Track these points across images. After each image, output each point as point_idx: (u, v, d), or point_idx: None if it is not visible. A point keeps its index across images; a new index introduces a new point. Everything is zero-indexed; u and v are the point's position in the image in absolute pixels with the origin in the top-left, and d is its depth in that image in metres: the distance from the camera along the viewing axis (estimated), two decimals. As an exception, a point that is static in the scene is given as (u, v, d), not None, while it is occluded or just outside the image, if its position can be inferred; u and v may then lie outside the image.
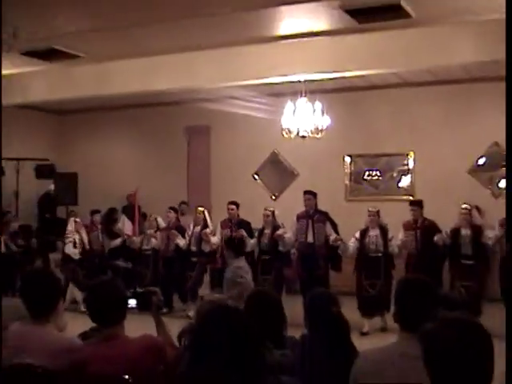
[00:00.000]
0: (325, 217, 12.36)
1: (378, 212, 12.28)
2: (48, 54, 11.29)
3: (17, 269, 12.34)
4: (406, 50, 11.35)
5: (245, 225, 13.20)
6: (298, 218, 12.50)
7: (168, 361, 4.53)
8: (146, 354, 4.40)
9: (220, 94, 16.18)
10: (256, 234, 13.06)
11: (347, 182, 16.45)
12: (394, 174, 16.12)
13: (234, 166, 16.95)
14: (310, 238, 12.24)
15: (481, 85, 14.68)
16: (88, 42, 10.82)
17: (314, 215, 12.33)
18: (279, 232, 12.43)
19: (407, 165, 15.92)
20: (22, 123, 18.07)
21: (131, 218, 15.06)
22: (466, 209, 11.75)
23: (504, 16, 8.96)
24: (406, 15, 8.87)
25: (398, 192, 15.76)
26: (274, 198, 17.00)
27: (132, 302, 4.96)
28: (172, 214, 14.40)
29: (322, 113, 13.28)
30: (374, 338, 10.75)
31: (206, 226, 13.66)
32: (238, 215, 13.40)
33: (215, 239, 13.33)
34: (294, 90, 13.37)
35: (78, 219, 14.98)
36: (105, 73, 13.90)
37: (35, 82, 14.78)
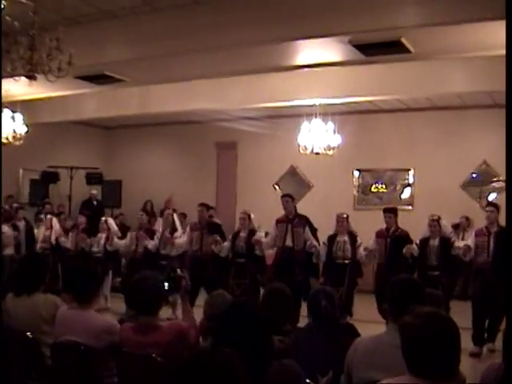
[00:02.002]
0: (304, 221, 10.73)
1: (347, 218, 10.74)
2: (98, 78, 11.44)
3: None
4: (407, 80, 11.49)
5: (215, 227, 11.70)
6: (278, 222, 10.86)
7: (191, 342, 4.61)
8: (174, 339, 4.48)
9: (246, 114, 16.30)
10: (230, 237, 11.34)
11: (355, 193, 16.51)
12: (397, 187, 16.18)
13: (257, 177, 17.02)
14: (289, 243, 10.58)
15: (472, 111, 14.79)
16: (133, 68, 10.96)
17: (293, 219, 10.68)
18: (257, 237, 10.75)
19: (408, 179, 15.98)
20: (76, 137, 18.45)
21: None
22: (433, 220, 10.22)
23: (490, 53, 9.14)
24: (406, 50, 8.91)
25: (400, 203, 15.77)
26: (291, 205, 17.06)
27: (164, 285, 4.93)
28: (144, 217, 12.68)
29: (334, 132, 13.45)
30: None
31: (174, 228, 12.11)
32: (211, 216, 12.29)
33: (181, 241, 11.75)
34: (309, 112, 13.49)
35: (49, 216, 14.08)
36: (147, 94, 14.07)
37: (87, 101, 14.99)
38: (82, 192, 17.57)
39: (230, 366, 2.33)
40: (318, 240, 10.69)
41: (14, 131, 13.29)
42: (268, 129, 16.66)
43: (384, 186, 16.39)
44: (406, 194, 16.08)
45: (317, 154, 13.51)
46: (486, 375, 3.80)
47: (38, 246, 13.54)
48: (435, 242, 10.05)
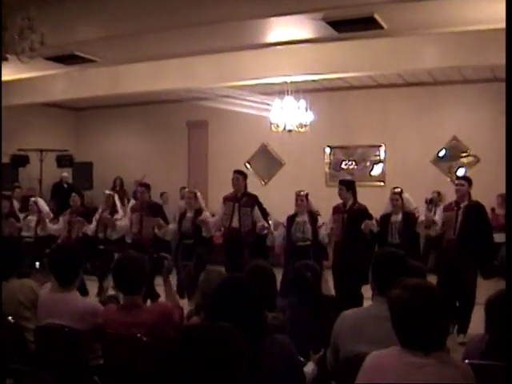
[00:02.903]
0: (253, 200, 10.00)
1: (306, 196, 9.84)
2: (68, 59, 11.31)
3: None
4: (379, 56, 11.48)
5: (156, 208, 10.82)
6: (225, 199, 10.15)
7: (176, 321, 4.62)
8: (159, 319, 4.50)
9: (216, 93, 16.20)
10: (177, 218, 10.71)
11: (327, 170, 16.52)
12: (368, 164, 16.23)
13: (228, 155, 16.96)
14: (236, 223, 9.85)
15: (443, 87, 14.88)
16: (103, 48, 10.85)
17: (241, 198, 9.93)
18: (202, 217, 10.02)
19: (379, 155, 16.04)
20: (45, 119, 18.24)
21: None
22: (395, 193, 9.37)
23: (461, 29, 9.20)
24: (379, 26, 8.90)
25: (370, 179, 15.87)
26: (263, 183, 17.09)
27: None
28: (77, 198, 11.58)
29: (306, 109, 13.44)
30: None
31: (114, 210, 10.98)
32: (150, 197, 10.96)
33: (122, 224, 10.73)
34: (281, 90, 13.48)
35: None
36: (116, 75, 13.94)
37: (56, 82, 14.83)
38: (53, 175, 17.41)
39: (230, 339, 2.33)
40: (267, 221, 10.07)
41: (-18, 114, 13.08)
42: (239, 107, 16.60)
43: (355, 163, 16.40)
44: (378, 170, 16.12)
45: (289, 131, 13.52)
46: (469, 348, 3.85)
47: None
48: (398, 218, 9.22)
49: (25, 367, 4.73)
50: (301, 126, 13.46)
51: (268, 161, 17.23)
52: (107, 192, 11.40)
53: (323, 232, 9.65)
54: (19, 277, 5.37)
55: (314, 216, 9.74)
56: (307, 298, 5.01)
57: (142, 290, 4.69)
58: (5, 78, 12.71)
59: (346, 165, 16.46)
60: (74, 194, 11.70)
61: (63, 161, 17.57)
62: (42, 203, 11.99)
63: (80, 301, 4.90)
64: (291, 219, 9.71)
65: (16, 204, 12.39)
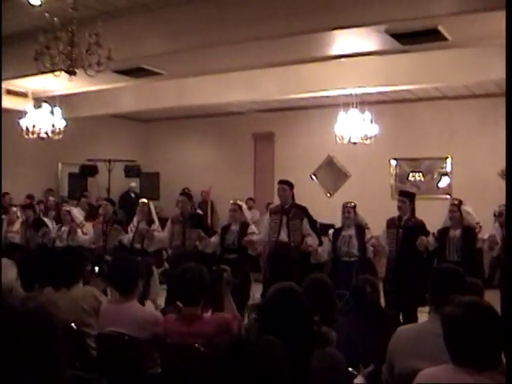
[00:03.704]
0: (302, 212, 9.04)
1: (354, 207, 9.05)
2: (135, 72, 11.54)
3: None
4: (444, 68, 11.40)
5: (198, 219, 10.34)
6: (271, 212, 9.33)
7: (234, 332, 4.64)
8: (217, 330, 4.52)
9: (282, 105, 16.33)
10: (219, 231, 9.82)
11: (393, 182, 16.40)
12: (434, 176, 16.05)
13: (294, 167, 16.96)
14: (284, 237, 8.89)
15: (511, 98, 14.61)
16: (169, 61, 11.04)
17: (289, 210, 9.00)
18: (247, 238, 9.05)
19: (446, 168, 15.85)
20: (113, 130, 18.63)
21: (205, 213, 14.96)
22: (453, 204, 8.57)
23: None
24: (443, 38, 8.87)
25: (437, 192, 15.69)
26: (329, 195, 17.06)
27: None
28: (108, 207, 10.79)
29: (371, 122, 13.39)
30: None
31: (150, 219, 10.36)
32: (193, 207, 10.53)
33: (161, 235, 10.15)
34: (346, 102, 13.47)
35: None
36: (183, 87, 14.17)
37: (124, 95, 15.13)
38: (121, 185, 17.72)
39: (272, 354, 2.36)
40: (318, 234, 9.11)
41: (53, 126, 13.41)
42: (305, 119, 16.67)
43: (421, 175, 16.25)
44: (444, 182, 15.93)
45: (354, 143, 13.50)
46: None
47: None
48: (457, 233, 8.36)
49: (85, 373, 4.84)
50: (366, 138, 13.43)
51: (334, 173, 17.16)
52: (142, 201, 10.78)
53: (371, 247, 8.80)
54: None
55: (361, 229, 8.89)
56: (367, 312, 4.99)
57: (201, 302, 4.74)
58: (74, 90, 13.11)
59: (412, 177, 16.30)
60: (105, 203, 10.95)
61: (131, 171, 17.80)
62: (75, 212, 11.41)
63: (140, 310, 4.99)
64: (337, 233, 9.01)
65: (77, 213, 11.77)
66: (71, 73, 8.38)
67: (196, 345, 4.37)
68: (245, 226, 9.34)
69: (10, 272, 4.68)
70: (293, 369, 2.42)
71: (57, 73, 8.48)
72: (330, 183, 17.19)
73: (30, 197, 14.81)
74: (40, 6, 9.33)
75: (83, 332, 5.07)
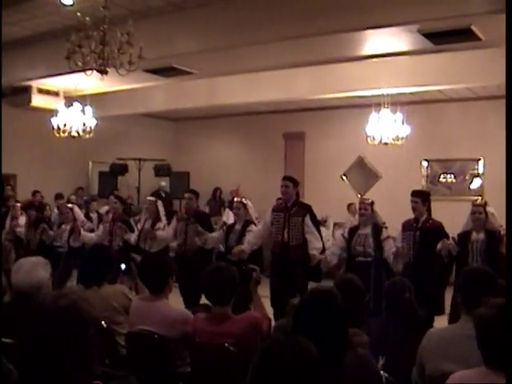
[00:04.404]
0: (305, 210, 8.55)
1: (371, 204, 8.47)
2: (166, 71, 11.60)
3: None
4: (476, 68, 11.29)
5: (203, 217, 9.88)
6: (274, 210, 8.74)
7: (264, 331, 4.66)
8: (247, 330, 4.53)
9: (314, 104, 16.29)
10: (223, 228, 9.54)
11: (424, 183, 16.29)
12: (466, 177, 15.94)
13: (324, 167, 16.96)
14: (287, 236, 8.41)
15: (545, 98, 14.47)
16: (200, 61, 11.08)
17: (291, 208, 8.50)
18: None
19: (478, 169, 15.73)
20: (144, 129, 18.67)
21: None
22: (477, 205, 7.98)
23: None
24: (477, 38, 8.81)
25: (469, 193, 15.55)
26: (359, 196, 16.98)
27: None
28: (118, 205, 10.38)
29: (402, 122, 13.33)
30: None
31: (158, 218, 10.00)
32: (198, 206, 10.10)
33: (164, 234, 9.80)
34: (377, 102, 13.41)
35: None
36: (214, 86, 14.22)
37: (155, 94, 15.21)
38: (151, 184, 17.76)
39: (303, 356, 2.35)
40: (320, 233, 8.61)
41: (84, 124, 13.50)
42: (336, 119, 16.63)
43: (453, 177, 16.14)
44: (476, 184, 15.80)
45: (385, 144, 13.45)
46: None
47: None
48: (480, 236, 7.70)
49: (114, 370, 4.86)
50: (397, 138, 13.37)
51: (364, 173, 17.09)
52: (149, 198, 10.51)
53: (388, 249, 8.17)
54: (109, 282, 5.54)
55: (378, 228, 8.33)
56: (400, 316, 4.97)
57: (231, 301, 4.73)
58: (105, 89, 13.20)
59: (444, 178, 16.20)
60: (114, 201, 10.45)
61: (161, 170, 17.88)
62: (77, 210, 11.00)
63: (170, 309, 4.99)
64: (353, 231, 8.45)
65: (79, 211, 11.44)
66: (103, 72, 8.45)
67: (226, 344, 4.38)
68: (246, 225, 9.03)
69: (41, 270, 4.69)
70: (325, 370, 2.41)
71: (88, 72, 8.56)
72: (361, 184, 17.11)
73: (34, 194, 14.67)
74: (72, 5, 9.44)
75: (113, 330, 5.10)
